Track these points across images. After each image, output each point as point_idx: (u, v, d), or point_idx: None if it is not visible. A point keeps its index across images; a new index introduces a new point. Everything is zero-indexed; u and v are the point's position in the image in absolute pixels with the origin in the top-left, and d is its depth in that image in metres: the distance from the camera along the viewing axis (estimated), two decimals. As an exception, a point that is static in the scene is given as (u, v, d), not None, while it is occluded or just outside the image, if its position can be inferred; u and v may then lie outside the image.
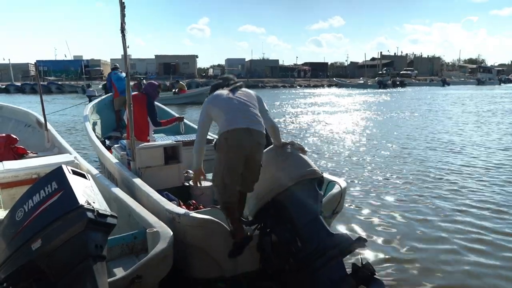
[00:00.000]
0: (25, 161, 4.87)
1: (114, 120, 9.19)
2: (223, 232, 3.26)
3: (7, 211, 3.28)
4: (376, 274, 2.81)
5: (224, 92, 3.43)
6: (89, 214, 1.99)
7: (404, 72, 62.24)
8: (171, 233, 2.96)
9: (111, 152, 5.83)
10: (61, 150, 6.07)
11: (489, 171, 7.51)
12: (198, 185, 3.58)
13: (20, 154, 5.80)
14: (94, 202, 2.11)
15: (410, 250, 4.34)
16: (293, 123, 15.92)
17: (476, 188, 6.45)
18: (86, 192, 2.15)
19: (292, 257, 3.01)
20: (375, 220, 5.21)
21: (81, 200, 2.02)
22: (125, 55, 4.58)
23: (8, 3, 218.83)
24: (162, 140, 5.83)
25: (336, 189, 3.78)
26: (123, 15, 4.27)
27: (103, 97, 10.08)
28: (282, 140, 3.46)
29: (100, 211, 2.07)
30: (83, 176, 2.37)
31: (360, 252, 3.00)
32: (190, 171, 4.83)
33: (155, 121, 5.60)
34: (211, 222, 3.20)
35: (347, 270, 2.83)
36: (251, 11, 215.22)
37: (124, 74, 9.21)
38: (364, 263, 2.80)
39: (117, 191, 3.97)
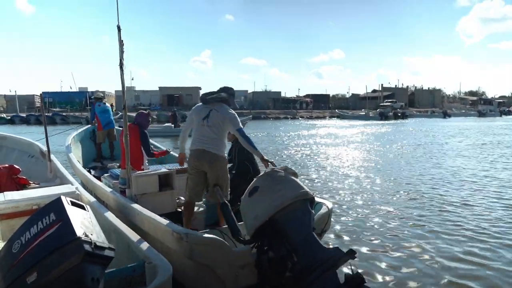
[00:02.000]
0: (26, 191, 4.85)
1: (94, 151, 9.40)
2: (226, 250, 3.52)
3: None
4: (366, 282, 3.07)
5: (203, 112, 4.46)
6: (86, 247, 1.95)
7: (385, 104, 61.28)
8: (170, 266, 2.95)
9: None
10: (63, 181, 6.05)
11: (484, 203, 7.44)
12: (183, 166, 4.81)
13: (22, 185, 5.79)
14: (92, 234, 2.08)
15: (396, 264, 4.80)
16: (295, 154, 15.92)
17: (470, 215, 6.38)
18: (84, 224, 2.12)
19: (289, 271, 3.24)
20: (365, 238, 5.67)
21: (79, 232, 1.99)
22: (123, 89, 4.81)
23: (15, 36, 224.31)
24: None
25: (324, 210, 4.20)
26: (121, 52, 4.54)
27: (83, 128, 10.13)
28: (277, 168, 3.76)
29: (97, 243, 2.03)
30: (82, 207, 2.35)
31: (351, 263, 3.27)
32: (182, 198, 5.17)
33: (148, 151, 5.77)
34: (216, 240, 3.50)
35: (340, 280, 3.08)
36: (252, 44, 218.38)
37: (108, 106, 9.70)
38: (355, 273, 3.05)
39: (117, 222, 3.95)
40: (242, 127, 4.46)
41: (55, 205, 2.15)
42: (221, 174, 4.49)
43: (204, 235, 3.55)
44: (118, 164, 7.56)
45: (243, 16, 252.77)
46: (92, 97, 10.20)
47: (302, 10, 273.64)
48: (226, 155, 4.67)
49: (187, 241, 3.45)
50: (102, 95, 10.11)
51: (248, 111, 54.59)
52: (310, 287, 3.04)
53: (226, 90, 4.63)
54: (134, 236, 3.54)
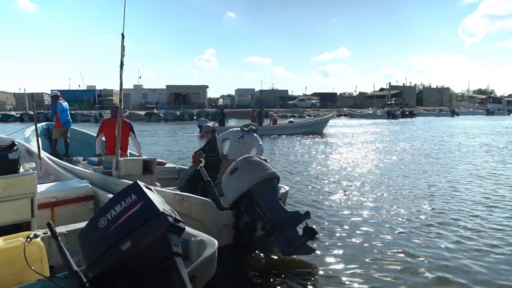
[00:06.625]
0: (43, 185, 5.02)
1: (49, 148, 9.55)
2: (214, 210, 4.72)
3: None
4: (317, 234, 4.51)
5: (239, 134, 6.90)
6: (170, 219, 2.31)
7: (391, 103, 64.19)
8: (216, 241, 3.14)
9: None
10: (60, 177, 6.20)
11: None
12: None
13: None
14: (168, 210, 2.38)
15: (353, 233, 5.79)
16: (303, 155, 16.11)
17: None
18: (159, 202, 2.42)
19: (262, 229, 4.45)
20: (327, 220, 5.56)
21: (160, 208, 2.30)
22: (120, 88, 5.77)
23: (24, 36, 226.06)
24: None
25: (282, 190, 5.56)
26: (122, 55, 5.49)
27: (38, 125, 10.25)
28: (256, 156, 5.17)
29: (176, 217, 2.36)
30: (151, 190, 2.63)
31: (307, 221, 4.46)
32: (157, 183, 6.19)
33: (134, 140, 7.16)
34: (208, 202, 4.73)
35: (299, 233, 4.34)
36: (256, 42, 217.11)
37: (65, 104, 10.19)
38: (310, 227, 4.38)
39: None
40: (261, 144, 6.77)
41: (134, 188, 2.45)
42: None
43: (200, 198, 4.72)
44: (82, 158, 8.18)
45: (245, 14, 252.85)
46: (51, 95, 10.57)
47: (304, 8, 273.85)
48: None
49: (187, 201, 4.61)
50: (58, 93, 10.44)
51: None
52: (278, 239, 4.30)
53: (252, 127, 7.02)
54: None
